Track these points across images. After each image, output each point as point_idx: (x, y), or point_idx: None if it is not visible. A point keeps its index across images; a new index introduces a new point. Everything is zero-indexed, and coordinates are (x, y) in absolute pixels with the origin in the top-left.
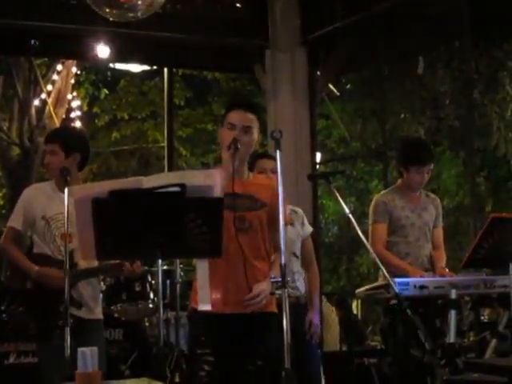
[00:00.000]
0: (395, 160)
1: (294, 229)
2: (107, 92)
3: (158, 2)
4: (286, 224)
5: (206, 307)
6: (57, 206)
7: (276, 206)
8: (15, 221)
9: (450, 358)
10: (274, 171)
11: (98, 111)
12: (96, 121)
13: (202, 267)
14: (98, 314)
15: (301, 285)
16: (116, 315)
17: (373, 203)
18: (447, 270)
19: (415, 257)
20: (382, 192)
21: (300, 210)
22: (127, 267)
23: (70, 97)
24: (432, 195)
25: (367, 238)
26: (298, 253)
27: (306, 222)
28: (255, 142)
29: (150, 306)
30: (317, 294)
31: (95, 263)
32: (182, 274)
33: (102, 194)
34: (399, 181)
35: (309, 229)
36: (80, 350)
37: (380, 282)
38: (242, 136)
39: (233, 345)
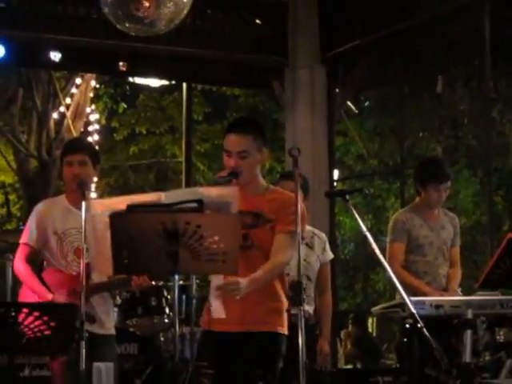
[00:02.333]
0: (413, 179)
1: (313, 252)
2: (126, 106)
3: (177, 18)
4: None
5: (219, 315)
6: (70, 222)
7: (280, 216)
8: (28, 237)
9: (466, 378)
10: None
11: (116, 125)
12: (114, 135)
13: (217, 282)
14: (111, 328)
15: (310, 308)
16: (131, 330)
17: (391, 222)
18: (460, 290)
19: (433, 276)
20: (401, 210)
21: (323, 235)
22: (135, 281)
23: (88, 110)
24: (451, 214)
25: (384, 255)
26: (313, 276)
27: (327, 247)
28: (260, 160)
29: (166, 320)
30: (328, 321)
31: (105, 278)
32: (197, 289)
33: (120, 209)
34: (417, 199)
35: (330, 255)
36: (95, 365)
37: (397, 300)
38: (239, 161)
39: (233, 363)
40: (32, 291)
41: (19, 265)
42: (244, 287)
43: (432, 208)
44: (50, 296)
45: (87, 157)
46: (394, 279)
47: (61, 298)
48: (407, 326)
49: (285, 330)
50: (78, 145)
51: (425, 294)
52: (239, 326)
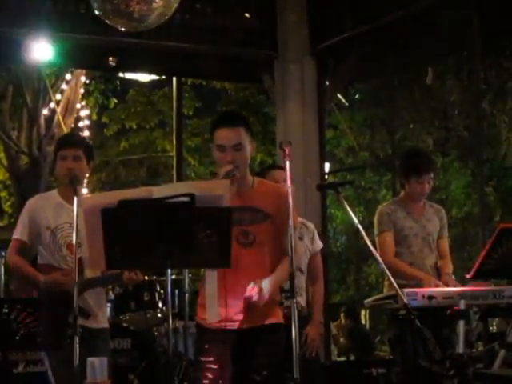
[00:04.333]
0: (397, 172)
1: (302, 243)
2: (116, 101)
3: (167, 13)
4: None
5: (214, 320)
6: (62, 216)
7: (281, 212)
8: (20, 232)
9: (459, 369)
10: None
11: (106, 121)
12: (105, 130)
13: (211, 280)
14: (104, 322)
15: (302, 300)
16: (124, 324)
17: (377, 214)
18: (453, 277)
19: (419, 267)
20: (385, 203)
21: (311, 225)
22: (126, 275)
23: (78, 106)
24: (436, 206)
25: (376, 247)
26: (304, 268)
27: (316, 237)
28: (251, 152)
29: (159, 315)
30: (319, 308)
31: (98, 273)
32: (190, 283)
33: (111, 204)
34: (402, 192)
35: (319, 244)
36: (89, 359)
37: (386, 292)
38: (235, 155)
39: (237, 357)
40: (25, 276)
41: (11, 258)
42: (268, 291)
43: (416, 200)
44: (42, 277)
45: (81, 152)
46: (387, 271)
47: (56, 275)
48: (400, 317)
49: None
50: (73, 140)
51: (419, 280)
52: (248, 322)
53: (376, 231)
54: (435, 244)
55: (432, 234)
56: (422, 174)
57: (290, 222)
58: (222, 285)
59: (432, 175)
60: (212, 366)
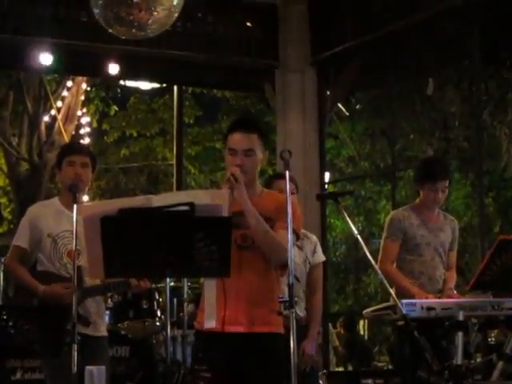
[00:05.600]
0: (413, 178)
1: (301, 253)
2: (117, 109)
3: (168, 21)
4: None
5: (211, 324)
6: (63, 224)
7: (281, 214)
8: (21, 239)
9: (457, 380)
10: (293, 192)
11: (107, 128)
12: (105, 137)
13: (210, 286)
14: (103, 331)
15: (299, 309)
16: (123, 332)
17: (388, 218)
18: (455, 292)
19: (429, 277)
20: (400, 209)
21: (314, 237)
22: (134, 284)
23: (79, 113)
24: (450, 217)
25: (375, 258)
26: (300, 277)
27: (318, 249)
28: (261, 161)
29: (157, 323)
30: (316, 322)
31: (97, 281)
32: (189, 291)
33: (111, 213)
34: (417, 199)
35: (320, 257)
36: (87, 368)
37: (393, 301)
38: (245, 160)
39: (233, 364)
40: (24, 286)
41: (10, 265)
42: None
43: (430, 208)
44: (41, 288)
45: (88, 159)
46: (385, 282)
47: (56, 287)
48: (398, 328)
49: (283, 330)
50: (81, 147)
51: (412, 295)
52: (245, 326)
53: (383, 235)
54: (447, 256)
55: (444, 245)
56: (437, 180)
57: (290, 230)
58: (220, 288)
59: (447, 184)
60: (204, 374)
